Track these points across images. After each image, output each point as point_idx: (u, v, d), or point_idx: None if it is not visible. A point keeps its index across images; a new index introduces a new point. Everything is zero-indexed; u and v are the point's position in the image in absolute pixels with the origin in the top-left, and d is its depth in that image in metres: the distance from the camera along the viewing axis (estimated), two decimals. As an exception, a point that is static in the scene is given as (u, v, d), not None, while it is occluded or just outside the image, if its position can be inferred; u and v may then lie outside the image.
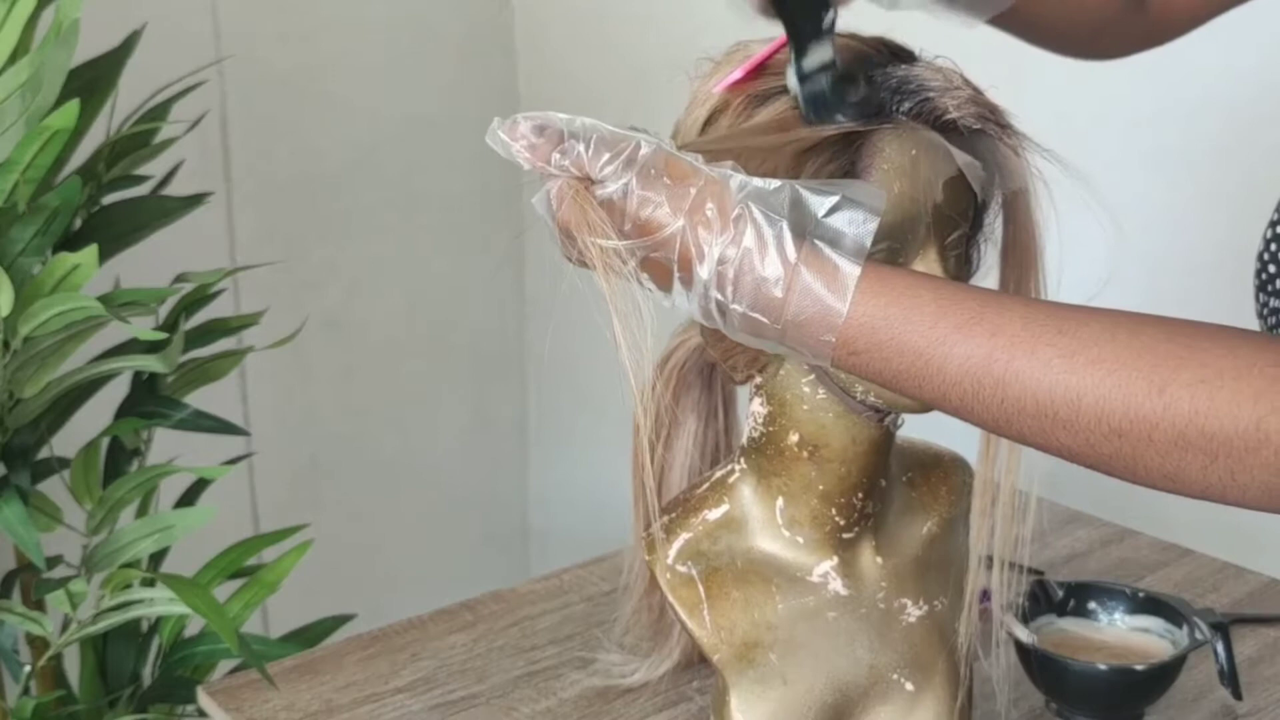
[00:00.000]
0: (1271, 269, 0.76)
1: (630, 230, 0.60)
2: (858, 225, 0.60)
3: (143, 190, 1.38)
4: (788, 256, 0.58)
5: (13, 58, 1.12)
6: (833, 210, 0.60)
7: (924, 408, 0.72)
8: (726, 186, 0.60)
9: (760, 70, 0.71)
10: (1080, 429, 0.55)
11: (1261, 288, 0.78)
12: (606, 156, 0.61)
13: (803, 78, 0.67)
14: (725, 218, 0.59)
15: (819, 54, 0.67)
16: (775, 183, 0.60)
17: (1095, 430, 0.55)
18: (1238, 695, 0.95)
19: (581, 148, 0.61)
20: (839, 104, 0.68)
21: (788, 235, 0.58)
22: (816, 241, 0.59)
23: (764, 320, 0.59)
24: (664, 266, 0.61)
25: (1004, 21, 0.83)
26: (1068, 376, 0.55)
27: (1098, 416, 0.55)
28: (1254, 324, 0.82)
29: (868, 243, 0.60)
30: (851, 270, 0.58)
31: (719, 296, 0.59)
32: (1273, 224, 0.77)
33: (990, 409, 0.57)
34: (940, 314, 0.57)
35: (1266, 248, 0.77)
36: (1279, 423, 0.52)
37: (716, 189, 0.60)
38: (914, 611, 0.82)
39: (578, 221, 0.61)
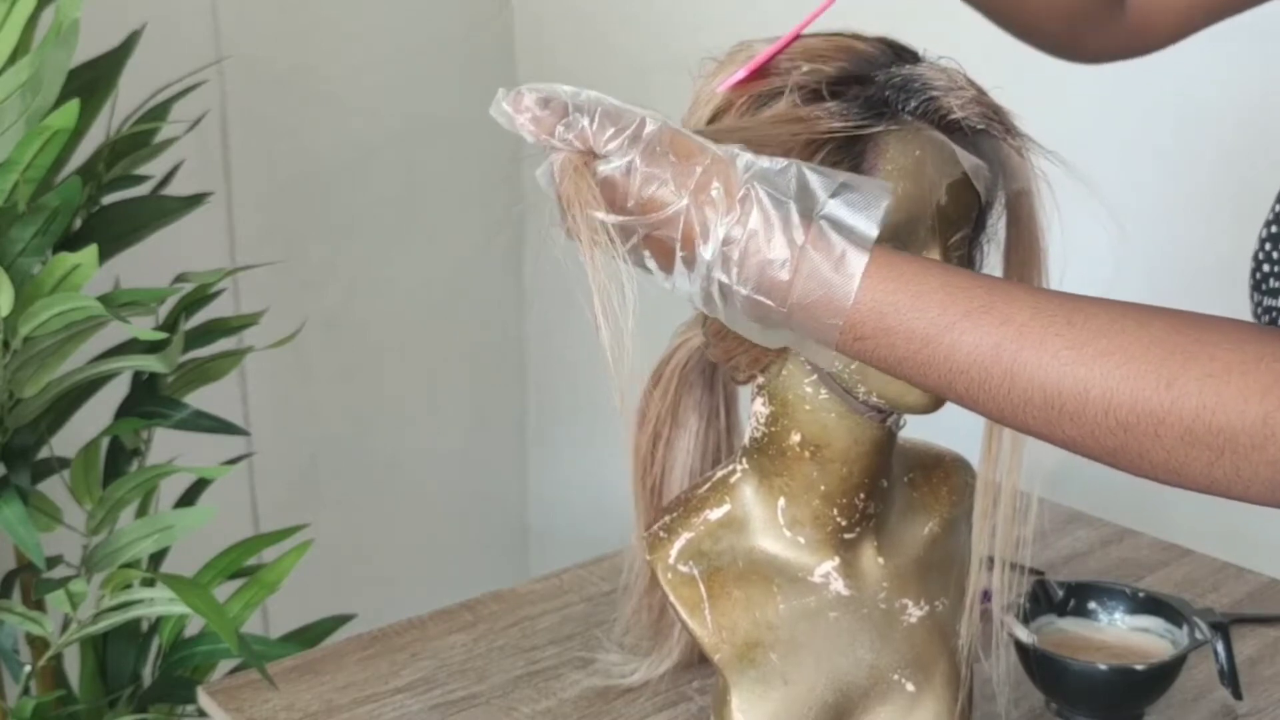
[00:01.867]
0: (1266, 268, 0.76)
1: (634, 207, 0.59)
2: (866, 208, 0.58)
3: (143, 190, 1.38)
4: (795, 239, 0.57)
5: (13, 58, 1.12)
6: (839, 192, 0.59)
7: (927, 407, 0.72)
8: (733, 165, 0.58)
9: (764, 70, 0.71)
10: (1086, 421, 0.55)
11: (1256, 287, 0.78)
12: (611, 131, 0.59)
13: None
14: (731, 197, 0.58)
15: None
16: (782, 162, 0.59)
17: (1102, 423, 0.54)
18: (1238, 695, 0.95)
19: (586, 121, 0.60)
20: None
21: (795, 217, 0.57)
22: (824, 224, 0.58)
23: (769, 303, 0.58)
24: (666, 245, 0.59)
25: (983, 6, 0.83)
26: (1076, 368, 0.54)
27: (1105, 409, 0.54)
28: (1251, 323, 0.82)
29: (876, 227, 0.58)
30: (860, 254, 0.57)
31: (723, 278, 0.58)
32: (1267, 224, 0.78)
33: (996, 399, 0.57)
34: (949, 301, 0.57)
35: (1261, 247, 0.77)
36: None
37: (722, 168, 0.58)
38: (915, 612, 0.82)
39: (571, 197, 0.60)
